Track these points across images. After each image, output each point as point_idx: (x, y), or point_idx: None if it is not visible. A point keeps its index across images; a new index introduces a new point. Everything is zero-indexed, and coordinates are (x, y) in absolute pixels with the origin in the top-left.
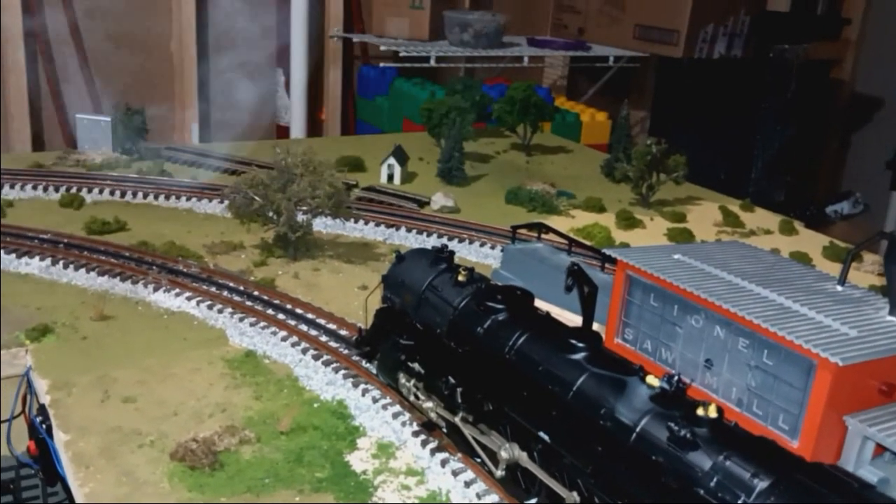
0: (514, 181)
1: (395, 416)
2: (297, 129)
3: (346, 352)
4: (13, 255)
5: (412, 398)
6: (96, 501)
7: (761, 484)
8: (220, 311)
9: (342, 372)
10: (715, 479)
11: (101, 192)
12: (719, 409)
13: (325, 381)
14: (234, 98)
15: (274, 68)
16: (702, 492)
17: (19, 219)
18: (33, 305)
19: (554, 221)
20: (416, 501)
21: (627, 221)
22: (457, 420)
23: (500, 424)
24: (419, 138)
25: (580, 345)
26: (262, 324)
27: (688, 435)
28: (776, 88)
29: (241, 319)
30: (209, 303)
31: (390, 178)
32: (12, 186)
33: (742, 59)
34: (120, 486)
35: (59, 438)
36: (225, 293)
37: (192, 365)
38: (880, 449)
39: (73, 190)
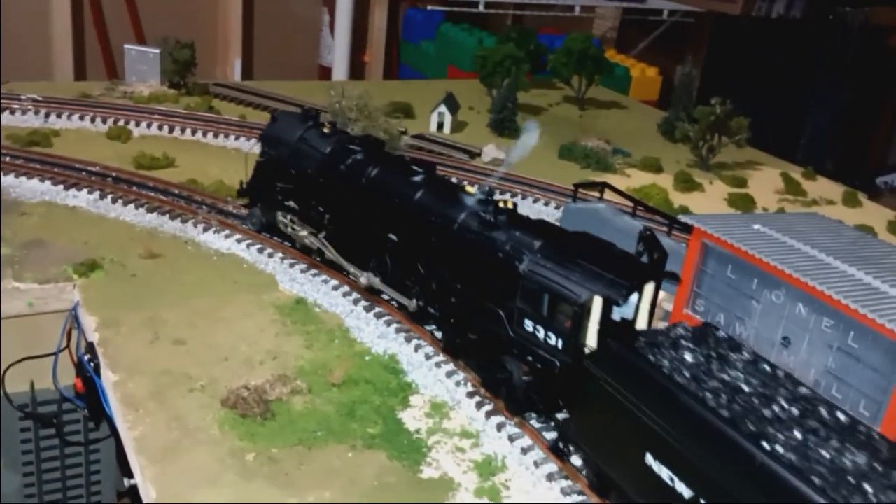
0: (568, 135)
1: (449, 374)
2: (340, 70)
3: (394, 304)
4: (61, 187)
5: (289, 230)
6: (146, 445)
7: (537, 243)
8: (270, 256)
9: (394, 326)
10: (509, 245)
11: (149, 126)
12: (514, 204)
13: (377, 335)
14: (278, 35)
15: (319, 7)
16: (500, 255)
17: (66, 149)
18: (81, 239)
19: (609, 180)
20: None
21: (686, 184)
22: (320, 238)
23: (361, 238)
24: (467, 86)
25: (419, 170)
26: (313, 271)
27: (491, 219)
28: (834, 53)
29: (291, 265)
30: (259, 246)
31: (440, 126)
32: (59, 115)
33: (801, 20)
34: (170, 431)
35: (108, 378)
36: (275, 238)
37: (243, 309)
38: None
39: (122, 122)
